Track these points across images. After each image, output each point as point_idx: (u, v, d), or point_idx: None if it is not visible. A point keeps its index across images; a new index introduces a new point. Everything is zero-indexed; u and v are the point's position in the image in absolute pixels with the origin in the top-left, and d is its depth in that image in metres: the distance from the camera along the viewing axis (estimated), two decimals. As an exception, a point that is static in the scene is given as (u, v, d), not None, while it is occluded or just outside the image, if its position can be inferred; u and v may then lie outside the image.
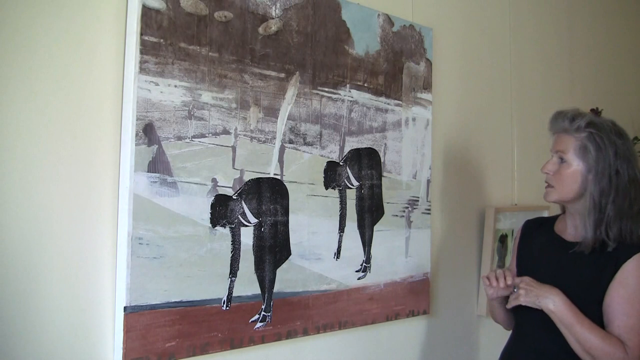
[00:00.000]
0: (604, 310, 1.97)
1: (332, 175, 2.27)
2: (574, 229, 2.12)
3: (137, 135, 1.75)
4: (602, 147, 2.00)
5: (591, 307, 1.98)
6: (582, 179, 2.04)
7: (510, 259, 2.43)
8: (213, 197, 1.93)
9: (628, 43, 4.39)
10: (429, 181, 2.66)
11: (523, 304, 1.99)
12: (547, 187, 2.13)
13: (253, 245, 2.03)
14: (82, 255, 1.71)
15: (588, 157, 2.02)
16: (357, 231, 2.37)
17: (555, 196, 2.10)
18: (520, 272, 2.20)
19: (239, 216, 1.99)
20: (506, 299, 2.15)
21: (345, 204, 2.32)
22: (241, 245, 1.99)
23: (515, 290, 2.03)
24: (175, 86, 1.83)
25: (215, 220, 1.93)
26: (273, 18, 2.09)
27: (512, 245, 3.12)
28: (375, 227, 2.44)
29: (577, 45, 3.79)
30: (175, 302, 1.83)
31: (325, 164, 2.26)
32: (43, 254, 1.65)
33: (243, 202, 2.00)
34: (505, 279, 2.08)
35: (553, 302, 1.95)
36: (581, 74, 3.82)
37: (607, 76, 4.08)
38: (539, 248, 2.21)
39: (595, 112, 2.21)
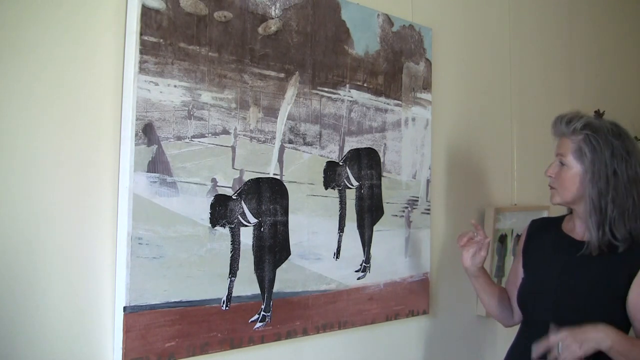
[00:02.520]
0: (630, 309, 1.99)
1: (331, 175, 2.27)
2: (583, 229, 2.14)
3: (136, 135, 1.75)
4: (597, 149, 2.03)
5: (601, 307, 2.01)
6: (581, 181, 2.07)
7: (515, 259, 2.42)
8: (213, 197, 1.93)
9: (628, 44, 4.39)
10: (428, 181, 2.66)
11: (583, 357, 1.89)
12: (551, 190, 2.17)
13: (253, 245, 2.03)
14: (82, 255, 1.71)
15: (584, 159, 2.05)
16: (357, 231, 2.38)
17: (558, 199, 2.14)
18: (528, 272, 2.24)
19: (239, 216, 1.99)
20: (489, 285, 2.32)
21: (345, 204, 2.32)
22: (241, 245, 2.00)
23: (560, 347, 1.89)
24: (175, 86, 1.84)
25: (215, 220, 1.93)
26: (273, 18, 2.09)
27: (511, 245, 3.13)
28: (375, 227, 2.44)
29: (577, 45, 3.80)
30: (175, 302, 1.83)
31: (324, 164, 2.26)
32: (43, 253, 1.65)
33: (243, 202, 2.00)
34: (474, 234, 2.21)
35: (609, 338, 1.87)
36: (581, 74, 3.82)
37: (607, 76, 4.09)
38: (548, 247, 2.23)
39: (598, 113, 2.22)
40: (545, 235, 2.27)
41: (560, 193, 2.13)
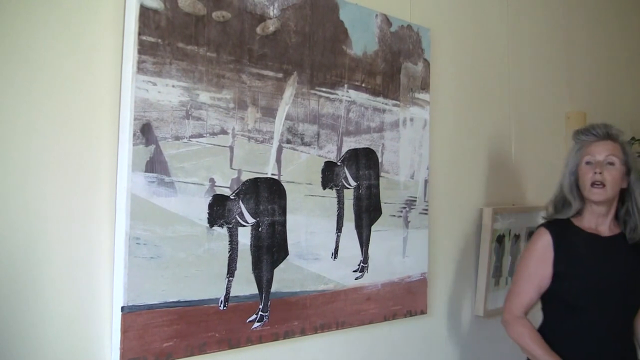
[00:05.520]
0: None
1: (329, 175, 2.27)
2: (606, 226, 2.46)
3: (134, 135, 1.75)
4: (631, 152, 2.43)
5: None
6: (621, 181, 2.41)
7: (535, 262, 2.47)
8: (211, 197, 1.93)
9: (624, 45, 4.41)
10: (426, 181, 2.67)
11: None
12: (596, 187, 2.38)
13: (250, 245, 2.03)
14: (80, 255, 1.71)
15: (628, 160, 2.40)
16: (355, 231, 2.38)
17: (605, 195, 2.38)
18: (573, 272, 2.40)
19: (237, 216, 1.99)
20: None
21: (343, 204, 2.32)
22: (239, 245, 1.99)
23: None
24: (173, 86, 1.84)
25: (213, 220, 1.93)
26: (271, 18, 2.09)
27: (509, 245, 3.13)
28: (373, 227, 2.44)
29: (574, 46, 3.81)
30: (173, 302, 1.83)
31: (322, 164, 2.26)
32: (40, 254, 1.64)
33: (241, 202, 2.00)
34: None
35: None
36: (578, 75, 3.84)
37: (604, 77, 4.11)
38: (585, 248, 2.43)
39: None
40: (570, 238, 2.45)
41: (608, 191, 2.37)
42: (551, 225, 2.49)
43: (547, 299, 2.47)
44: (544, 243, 2.45)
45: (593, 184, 2.38)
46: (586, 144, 2.43)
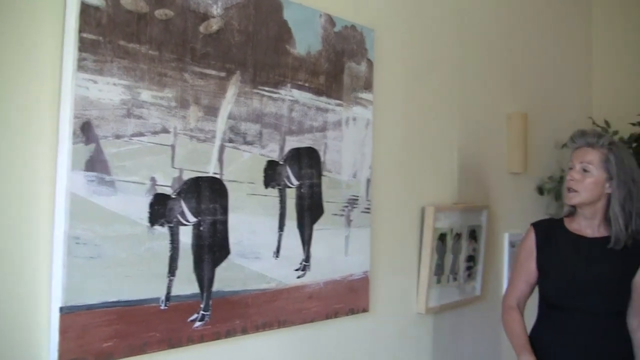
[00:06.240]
0: (635, 287, 2.58)
1: (272, 174, 2.31)
2: (593, 228, 2.65)
3: (74, 133, 1.75)
4: (621, 160, 2.55)
5: (622, 290, 2.58)
6: (602, 186, 2.57)
7: (523, 259, 2.78)
8: (152, 196, 1.95)
9: (564, 47, 4.53)
10: (369, 180, 2.72)
11: None
12: (569, 192, 2.61)
13: (192, 244, 2.05)
14: (17, 255, 1.71)
15: (610, 168, 2.54)
16: (297, 230, 2.42)
17: (578, 199, 2.60)
18: (553, 268, 2.67)
19: (178, 215, 2.01)
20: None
21: (285, 203, 2.36)
22: (180, 245, 2.02)
23: None
24: (114, 84, 1.85)
25: (154, 220, 1.95)
26: (214, 17, 2.11)
27: (451, 243, 3.21)
28: (315, 226, 2.48)
29: (516, 48, 3.92)
30: (113, 301, 1.84)
31: (265, 163, 2.29)
32: (-23, 253, 1.64)
33: (182, 201, 2.02)
34: None
35: None
36: (519, 76, 3.95)
37: (544, 78, 4.22)
38: (566, 247, 2.66)
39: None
40: (555, 236, 2.70)
41: (581, 195, 2.58)
42: (539, 224, 2.78)
43: (539, 294, 2.74)
44: (530, 241, 2.74)
45: (568, 189, 2.62)
46: (572, 151, 2.66)
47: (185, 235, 2.04)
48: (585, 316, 2.57)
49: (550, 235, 2.73)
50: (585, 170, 2.58)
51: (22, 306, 1.72)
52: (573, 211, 2.71)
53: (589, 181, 2.57)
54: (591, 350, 2.56)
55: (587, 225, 2.66)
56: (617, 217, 2.55)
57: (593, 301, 2.56)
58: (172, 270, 1.99)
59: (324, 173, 2.51)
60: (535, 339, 2.67)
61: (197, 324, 2.06)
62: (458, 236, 3.30)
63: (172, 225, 2.00)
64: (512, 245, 3.74)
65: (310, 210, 2.46)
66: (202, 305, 2.08)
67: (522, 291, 2.74)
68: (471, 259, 3.44)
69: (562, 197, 2.70)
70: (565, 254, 2.67)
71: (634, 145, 4.09)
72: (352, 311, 2.65)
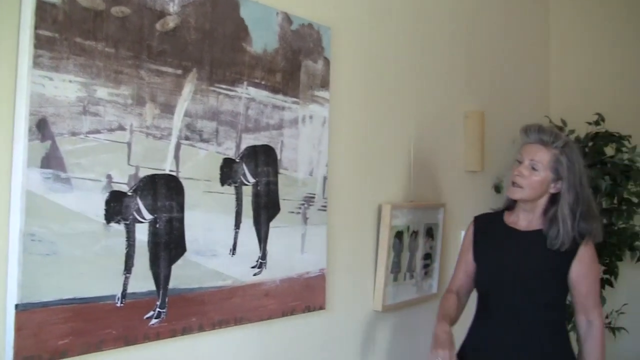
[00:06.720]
0: (571, 282, 2.64)
1: (228, 171, 2.35)
2: (527, 221, 2.71)
3: (30, 130, 1.78)
4: (573, 162, 2.60)
5: (548, 282, 2.63)
6: (547, 185, 2.63)
7: (461, 250, 2.92)
8: (108, 194, 1.98)
9: (520, 45, 4.63)
10: (325, 178, 2.78)
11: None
12: (514, 186, 2.67)
13: (148, 241, 2.09)
14: (-28, 252, 1.72)
15: (560, 169, 2.60)
16: (253, 228, 2.46)
17: (520, 195, 2.66)
18: (484, 261, 2.77)
19: (134, 212, 2.05)
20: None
21: (242, 201, 2.41)
22: (136, 242, 2.05)
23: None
24: (70, 81, 1.88)
25: (110, 217, 1.98)
26: (171, 14, 2.15)
27: (407, 241, 3.28)
28: (272, 224, 2.53)
29: (474, 46, 4.00)
30: (69, 299, 1.87)
31: (221, 160, 2.33)
32: None
33: (138, 199, 2.06)
34: None
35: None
36: (477, 74, 4.03)
37: (501, 77, 4.32)
38: (498, 239, 2.74)
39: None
40: (492, 229, 2.78)
41: (525, 191, 2.64)
42: (480, 217, 2.88)
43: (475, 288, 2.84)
44: (469, 233, 2.85)
45: (513, 183, 2.67)
46: (523, 143, 2.70)
47: (142, 233, 2.07)
48: (509, 309, 2.64)
49: (488, 228, 2.81)
50: (533, 168, 2.62)
51: (-23, 304, 1.73)
52: (513, 204, 2.77)
53: (535, 179, 2.62)
54: (509, 342, 2.63)
55: (524, 218, 2.72)
56: (565, 219, 2.60)
57: (518, 293, 2.63)
58: (128, 267, 2.03)
59: (281, 171, 2.56)
60: (470, 335, 2.79)
61: (154, 321, 2.10)
62: (415, 234, 3.37)
63: (128, 222, 2.03)
64: (468, 243, 3.81)
65: (266, 208, 2.51)
66: (158, 303, 2.12)
67: (461, 280, 2.84)
68: (428, 256, 3.52)
69: (506, 188, 2.77)
70: (497, 246, 2.75)
71: (590, 144, 4.22)
72: (308, 309, 2.71)
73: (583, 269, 2.62)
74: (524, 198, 2.67)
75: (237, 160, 2.39)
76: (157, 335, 2.11)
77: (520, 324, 2.63)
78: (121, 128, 2.01)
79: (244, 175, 2.41)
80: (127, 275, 2.03)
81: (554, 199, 2.65)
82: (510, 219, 2.77)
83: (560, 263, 2.62)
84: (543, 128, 2.68)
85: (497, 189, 4.16)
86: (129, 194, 2.04)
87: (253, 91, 2.44)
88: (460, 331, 2.79)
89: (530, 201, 2.68)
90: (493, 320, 2.70)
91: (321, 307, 2.78)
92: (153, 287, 2.10)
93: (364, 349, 3.11)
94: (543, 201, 2.67)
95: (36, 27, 1.79)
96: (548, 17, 5.03)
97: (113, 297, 1.99)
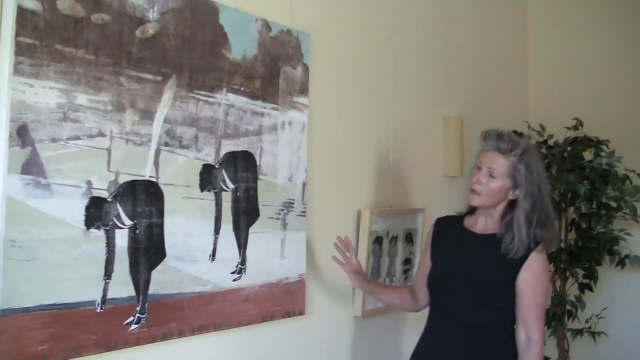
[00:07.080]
0: (518, 287, 2.59)
1: (207, 178, 2.39)
2: (484, 225, 2.72)
3: (11, 137, 1.81)
4: (531, 171, 2.60)
5: (499, 285, 2.60)
6: (505, 193, 2.63)
7: (423, 252, 3.00)
8: (88, 200, 2.01)
9: (498, 50, 4.69)
10: (305, 184, 2.81)
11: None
12: (473, 193, 2.67)
13: (128, 247, 2.12)
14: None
15: (517, 177, 2.60)
16: (233, 233, 2.50)
17: (479, 202, 2.68)
18: (437, 262, 2.78)
19: (114, 219, 2.08)
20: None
21: (221, 207, 2.44)
22: (116, 248, 2.08)
23: None
24: (51, 88, 1.91)
25: (90, 223, 2.01)
26: (151, 22, 2.19)
27: (387, 247, 3.32)
28: (251, 230, 2.57)
29: (452, 52, 4.05)
30: (49, 305, 1.90)
31: (201, 167, 2.37)
32: None
33: (118, 205, 2.09)
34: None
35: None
36: (455, 80, 4.09)
37: (480, 82, 4.39)
38: (454, 241, 2.76)
39: (517, 134, 2.84)
40: (450, 231, 2.81)
41: (483, 198, 2.65)
42: (441, 219, 2.92)
43: None
44: (430, 235, 2.89)
45: (472, 190, 2.68)
46: (482, 150, 2.71)
47: (122, 239, 2.10)
48: (453, 310, 2.67)
49: (447, 230, 2.84)
50: (491, 176, 2.61)
51: (-43, 310, 1.75)
52: (475, 209, 2.77)
53: (493, 187, 2.62)
54: (449, 344, 2.66)
55: (482, 222, 2.73)
56: (520, 228, 2.59)
57: (462, 294, 2.63)
58: (108, 273, 2.06)
59: (260, 177, 2.60)
60: (421, 336, 2.81)
61: (134, 327, 2.13)
62: (394, 239, 3.41)
63: (108, 228, 2.06)
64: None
65: (246, 214, 2.55)
66: (138, 309, 2.15)
67: (420, 280, 2.87)
68: (408, 262, 3.56)
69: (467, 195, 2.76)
70: (450, 248, 2.77)
71: (569, 149, 4.28)
72: (288, 314, 2.74)
73: (530, 277, 2.58)
74: (482, 205, 2.68)
75: (217, 167, 2.43)
76: (137, 340, 2.14)
77: (462, 327, 2.64)
78: (101, 134, 2.05)
79: (224, 181, 2.45)
80: (107, 281, 2.06)
81: (512, 205, 2.66)
82: (469, 222, 2.79)
83: (510, 268, 2.59)
84: (502, 135, 2.65)
85: (477, 194, 4.18)
86: (109, 200, 2.07)
87: (232, 98, 2.48)
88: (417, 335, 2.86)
89: (489, 207, 2.68)
90: (438, 321, 2.74)
91: (301, 313, 2.81)
92: (133, 293, 2.14)
93: (344, 354, 3.15)
94: (501, 207, 2.68)
95: (17, 35, 1.83)
96: (526, 22, 5.11)
97: (93, 302, 2.02)
